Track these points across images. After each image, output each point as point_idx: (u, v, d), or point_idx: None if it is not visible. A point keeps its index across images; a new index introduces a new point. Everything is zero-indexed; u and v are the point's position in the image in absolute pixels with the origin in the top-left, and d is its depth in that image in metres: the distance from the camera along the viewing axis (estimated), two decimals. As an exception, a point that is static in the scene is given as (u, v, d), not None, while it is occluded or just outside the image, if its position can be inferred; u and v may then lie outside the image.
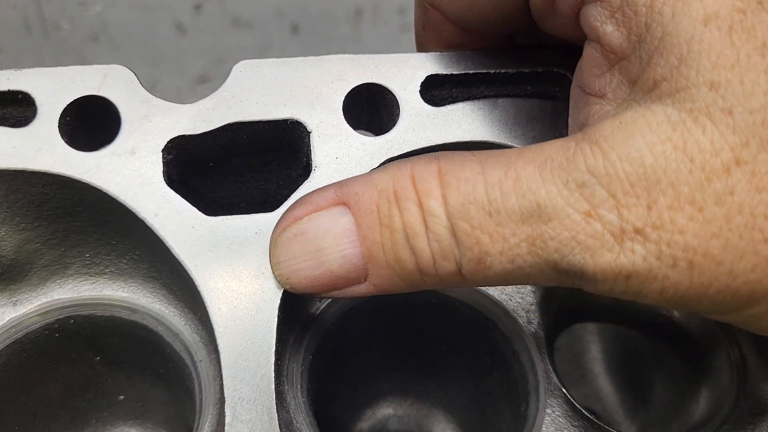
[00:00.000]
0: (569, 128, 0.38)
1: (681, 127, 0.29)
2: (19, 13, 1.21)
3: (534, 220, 0.31)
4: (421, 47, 0.45)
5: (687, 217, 0.29)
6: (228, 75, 0.41)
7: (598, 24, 0.33)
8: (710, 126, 0.29)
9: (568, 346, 0.57)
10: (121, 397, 0.49)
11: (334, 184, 0.35)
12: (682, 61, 0.30)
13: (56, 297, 0.43)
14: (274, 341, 0.38)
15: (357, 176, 0.35)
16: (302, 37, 1.21)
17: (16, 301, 0.43)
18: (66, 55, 1.26)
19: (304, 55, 0.42)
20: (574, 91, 0.37)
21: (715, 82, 0.29)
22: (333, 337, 0.44)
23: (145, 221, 0.38)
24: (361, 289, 0.35)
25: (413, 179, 0.33)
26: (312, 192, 0.36)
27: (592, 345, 0.58)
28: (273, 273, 0.37)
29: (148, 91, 0.40)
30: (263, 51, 1.18)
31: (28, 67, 0.40)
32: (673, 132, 0.29)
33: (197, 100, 0.40)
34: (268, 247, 0.38)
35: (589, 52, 0.34)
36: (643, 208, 0.29)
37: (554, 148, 0.32)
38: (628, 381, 0.55)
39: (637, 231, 0.29)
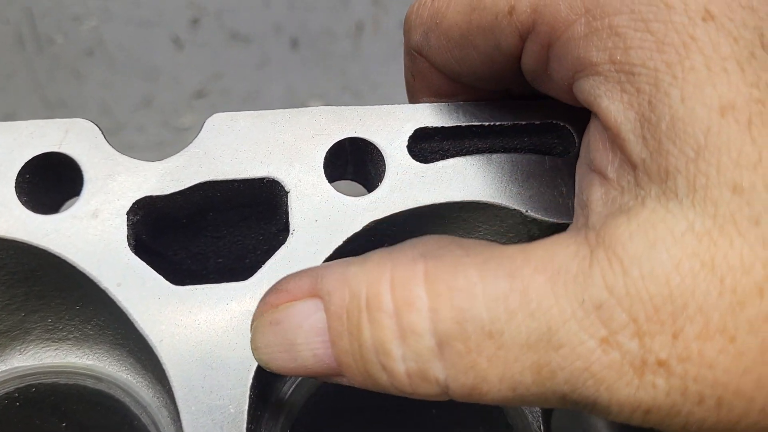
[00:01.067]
0: (575, 204, 0.34)
1: (707, 240, 0.26)
2: (12, 28, 1.18)
3: (542, 345, 0.27)
4: (413, 98, 0.41)
5: (717, 349, 0.26)
6: (201, 127, 0.38)
7: (593, 98, 0.30)
8: (738, 238, 0.26)
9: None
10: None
11: (311, 271, 0.32)
12: (699, 154, 0.26)
13: (16, 365, 0.40)
14: (246, 424, 0.35)
15: (335, 265, 0.31)
16: (302, 52, 1.18)
17: (-27, 369, 0.40)
18: (60, 71, 1.24)
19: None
20: (580, 167, 0.34)
21: (738, 185, 0.26)
22: (315, 407, 0.41)
23: (107, 291, 0.35)
24: (344, 381, 0.31)
25: (392, 285, 0.29)
26: (289, 277, 0.32)
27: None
28: (252, 354, 0.33)
29: (119, 136, 0.37)
30: (262, 66, 1.15)
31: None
32: (699, 245, 0.26)
33: (173, 155, 0.37)
34: (240, 322, 0.35)
35: (595, 123, 0.31)
36: (668, 337, 0.26)
37: (567, 255, 0.28)
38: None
39: (661, 363, 0.26)
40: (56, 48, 1.20)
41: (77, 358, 0.40)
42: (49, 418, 0.43)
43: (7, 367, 0.40)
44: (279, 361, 0.31)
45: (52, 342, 0.40)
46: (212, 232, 0.42)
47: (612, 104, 0.29)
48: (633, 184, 0.29)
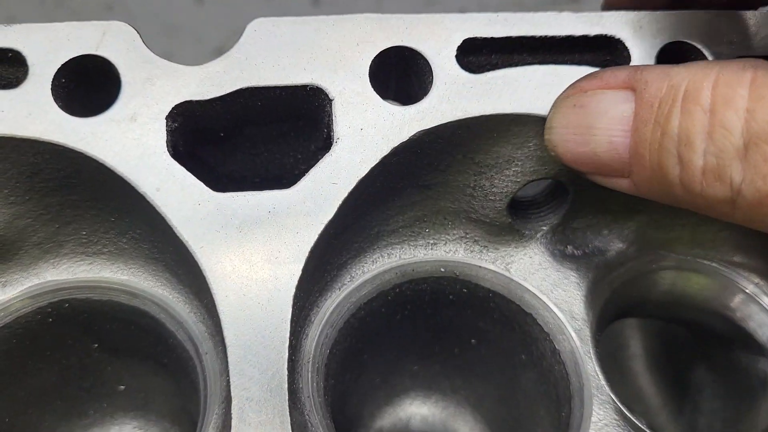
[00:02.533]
0: None
1: None
2: (32, -18, 1.17)
3: None
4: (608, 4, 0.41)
5: None
6: (243, 33, 0.37)
7: None
8: None
9: (606, 342, 0.52)
10: (122, 387, 0.45)
11: (630, 66, 0.34)
12: None
13: (49, 278, 0.39)
14: (288, 334, 0.34)
15: (656, 65, 0.33)
16: (323, 8, 1.16)
17: (5, 282, 0.39)
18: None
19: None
20: None
21: None
22: (352, 329, 0.40)
23: (146, 196, 0.34)
24: (622, 184, 0.33)
25: (716, 83, 0.29)
26: (606, 68, 0.34)
27: (632, 341, 0.54)
28: (544, 135, 0.35)
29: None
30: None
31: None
32: None
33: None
34: (283, 228, 0.34)
35: None
36: None
37: None
38: (673, 382, 0.51)
39: None
40: (75, 2, 1.18)
41: (111, 273, 0.39)
42: (81, 338, 0.42)
43: (40, 281, 0.39)
44: (570, 143, 0.33)
45: (86, 256, 0.39)
46: (249, 148, 0.41)
47: None
48: None
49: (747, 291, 0.40)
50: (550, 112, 0.35)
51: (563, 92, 0.35)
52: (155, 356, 0.42)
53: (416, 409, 0.50)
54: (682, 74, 0.30)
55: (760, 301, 0.39)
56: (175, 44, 1.26)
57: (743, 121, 0.28)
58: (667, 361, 0.52)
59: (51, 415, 0.45)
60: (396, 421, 0.49)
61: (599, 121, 0.32)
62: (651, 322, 0.53)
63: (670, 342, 0.51)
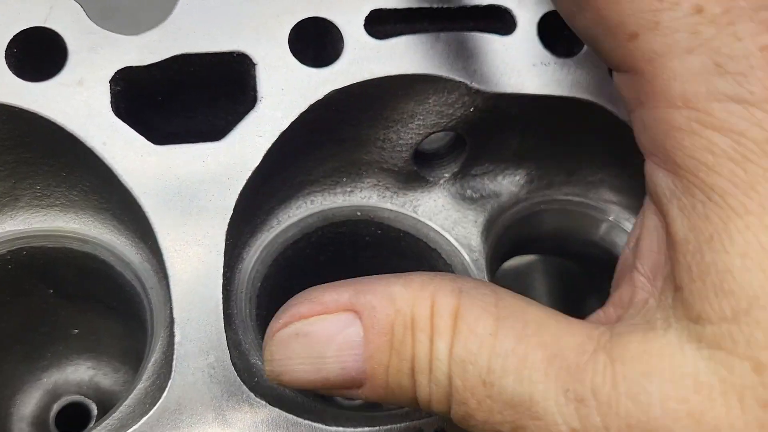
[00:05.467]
0: (610, 291, 0.36)
1: (703, 392, 0.26)
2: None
3: (523, 410, 0.29)
4: None
5: None
6: (176, 4, 0.42)
7: (665, 198, 0.29)
8: (737, 411, 0.25)
9: (513, 282, 0.59)
10: (76, 330, 0.50)
11: (348, 284, 0.33)
12: (735, 319, 0.26)
13: (8, 229, 0.43)
14: (222, 265, 0.39)
15: (375, 282, 0.33)
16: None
17: (-33, 232, 0.43)
18: None
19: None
20: (626, 254, 0.34)
21: (762, 365, 0.25)
22: (280, 267, 0.45)
23: (94, 150, 0.39)
24: (350, 394, 0.33)
25: (432, 310, 0.31)
26: (322, 288, 0.34)
27: (536, 282, 0.61)
28: (263, 365, 0.35)
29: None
30: None
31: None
32: (695, 395, 0.26)
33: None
34: (215, 175, 0.39)
35: (651, 218, 0.32)
36: None
37: (572, 344, 0.29)
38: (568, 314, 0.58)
39: None
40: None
41: (64, 223, 0.44)
42: (38, 284, 0.46)
43: (-1, 231, 0.43)
44: (299, 374, 0.32)
45: (41, 208, 0.44)
46: (185, 111, 0.46)
47: (680, 218, 0.28)
48: (669, 306, 0.29)
49: (610, 219, 0.47)
50: (266, 341, 0.34)
51: (278, 320, 0.33)
52: (106, 300, 0.47)
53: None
54: (405, 298, 0.31)
55: (622, 227, 0.46)
56: (111, 26, 1.28)
57: (448, 353, 0.30)
58: (566, 297, 0.59)
59: (11, 357, 0.49)
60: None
61: (329, 350, 0.32)
62: (552, 262, 0.60)
63: (567, 278, 0.58)
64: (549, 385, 0.28)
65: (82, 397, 0.50)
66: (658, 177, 0.30)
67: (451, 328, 0.30)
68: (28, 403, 0.50)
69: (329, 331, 0.32)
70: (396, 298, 0.32)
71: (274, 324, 0.33)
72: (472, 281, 0.33)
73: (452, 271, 0.45)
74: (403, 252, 0.48)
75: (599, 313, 0.35)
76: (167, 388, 0.37)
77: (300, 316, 0.33)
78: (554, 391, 0.28)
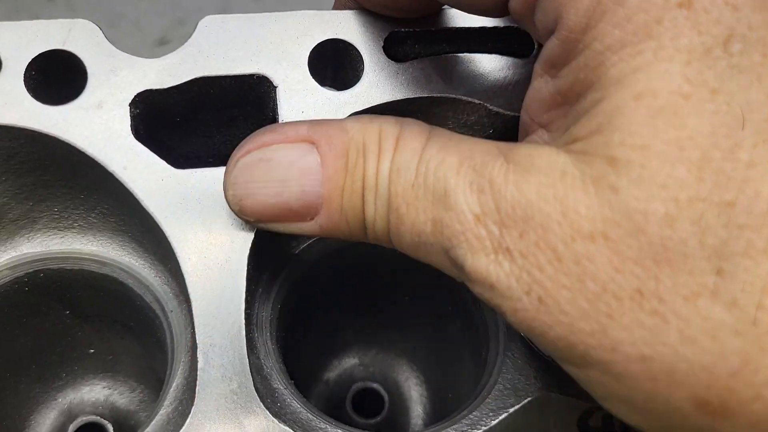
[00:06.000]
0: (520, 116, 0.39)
1: (567, 181, 0.30)
2: (-30, -28, 1.17)
3: (441, 204, 0.33)
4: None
5: (546, 259, 0.30)
6: (193, 31, 0.41)
7: (558, 63, 0.33)
8: (593, 194, 0.30)
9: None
10: (92, 350, 0.50)
11: (306, 121, 0.37)
12: (598, 130, 0.30)
13: (25, 251, 0.43)
14: (244, 290, 0.39)
15: (328, 120, 0.36)
16: (264, 2, 1.20)
17: (-16, 256, 0.43)
18: (20, 17, 1.23)
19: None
20: (523, 116, 0.38)
21: (615, 159, 0.29)
22: (300, 287, 0.45)
23: (114, 174, 0.39)
24: (306, 227, 0.36)
25: (380, 136, 0.35)
26: (283, 123, 0.37)
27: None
28: (225, 193, 0.37)
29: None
30: (223, 12, 1.16)
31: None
32: (559, 182, 0.31)
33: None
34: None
35: (539, 84, 0.35)
36: (516, 233, 0.31)
37: (482, 149, 0.33)
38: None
39: (508, 250, 0.31)
40: (16, -6, 1.19)
41: (82, 245, 0.44)
42: (54, 305, 0.46)
43: (17, 253, 0.43)
44: (260, 197, 0.35)
45: (59, 230, 0.44)
46: (203, 132, 0.46)
47: (569, 75, 0.32)
48: (558, 137, 0.33)
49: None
50: (228, 168, 0.36)
51: (240, 148, 0.36)
52: (123, 320, 0.47)
53: (359, 360, 0.56)
54: (356, 128, 0.35)
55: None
56: (116, 35, 1.28)
57: (389, 168, 0.34)
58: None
59: (26, 378, 0.49)
60: (341, 371, 0.55)
61: (290, 173, 0.35)
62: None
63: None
64: (459, 180, 0.32)
65: (98, 417, 0.50)
66: (551, 46, 0.33)
67: (393, 147, 0.34)
68: (44, 424, 0.50)
69: (290, 158, 0.35)
70: (348, 129, 0.35)
71: (237, 152, 0.36)
72: (414, 120, 0.36)
73: (471, 293, 0.45)
74: (420, 273, 0.47)
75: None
76: (190, 415, 0.37)
77: (262, 143, 0.36)
78: (463, 185, 0.32)
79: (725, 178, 0.28)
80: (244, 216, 0.37)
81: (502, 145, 0.34)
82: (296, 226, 0.36)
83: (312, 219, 0.36)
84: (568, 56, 0.33)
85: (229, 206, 0.37)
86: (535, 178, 0.31)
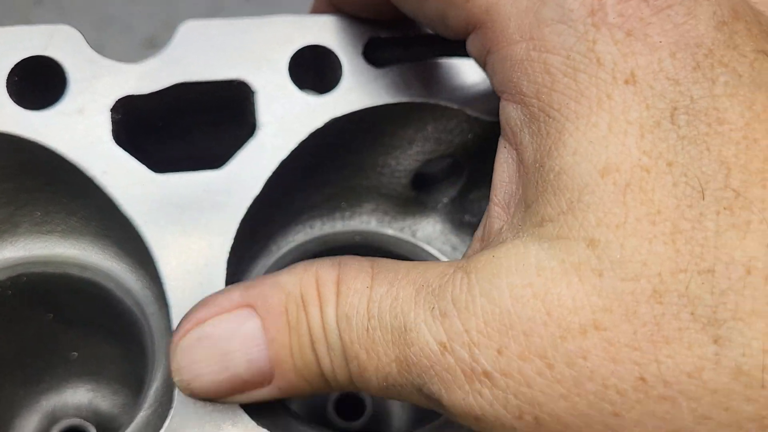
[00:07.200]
0: (474, 234, 0.37)
1: (545, 275, 0.28)
2: (-42, -26, 1.17)
3: (401, 341, 0.31)
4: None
5: (536, 371, 0.28)
6: (175, 34, 0.42)
7: (516, 129, 0.32)
8: (576, 283, 0.28)
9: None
10: (75, 354, 0.50)
11: (239, 285, 0.35)
12: (570, 209, 0.29)
13: (7, 255, 0.44)
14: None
15: (262, 278, 0.35)
16: (255, 0, 1.20)
17: (-34, 260, 0.43)
18: (9, 19, 1.24)
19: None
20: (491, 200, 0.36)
21: (595, 241, 0.28)
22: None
23: (94, 179, 0.39)
24: (264, 393, 0.34)
25: (317, 283, 0.33)
26: (215, 294, 0.35)
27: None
28: (173, 378, 0.35)
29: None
30: (214, 14, 1.17)
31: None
32: (536, 278, 0.28)
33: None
34: (216, 203, 0.40)
35: (506, 152, 0.34)
36: (493, 351, 0.28)
37: (436, 273, 0.31)
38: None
39: (486, 374, 0.29)
40: (3, -4, 1.19)
41: (64, 249, 0.44)
42: (37, 309, 0.47)
43: (-1, 258, 0.43)
44: (207, 376, 0.34)
45: (41, 234, 0.44)
46: (184, 136, 0.46)
47: (530, 143, 0.31)
48: (519, 223, 0.31)
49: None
50: (170, 354, 0.34)
51: (177, 331, 0.34)
52: (106, 324, 0.47)
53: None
54: (292, 282, 0.33)
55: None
56: (105, 36, 1.28)
57: (336, 316, 0.32)
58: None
59: (10, 383, 0.49)
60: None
61: (232, 345, 0.33)
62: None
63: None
64: (418, 311, 0.30)
65: (81, 420, 0.50)
66: (509, 111, 0.32)
67: (335, 293, 0.32)
68: (27, 427, 0.50)
69: (229, 328, 0.33)
70: (283, 284, 0.34)
71: (176, 335, 0.35)
72: (350, 256, 0.34)
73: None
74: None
75: (466, 251, 0.37)
76: (169, 417, 0.37)
77: (198, 321, 0.34)
78: (423, 314, 0.30)
79: (699, 247, 0.27)
80: (198, 398, 0.35)
81: (455, 261, 0.32)
82: (255, 394, 0.34)
83: (269, 383, 0.34)
84: (524, 119, 0.31)
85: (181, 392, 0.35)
86: (505, 281, 0.29)
